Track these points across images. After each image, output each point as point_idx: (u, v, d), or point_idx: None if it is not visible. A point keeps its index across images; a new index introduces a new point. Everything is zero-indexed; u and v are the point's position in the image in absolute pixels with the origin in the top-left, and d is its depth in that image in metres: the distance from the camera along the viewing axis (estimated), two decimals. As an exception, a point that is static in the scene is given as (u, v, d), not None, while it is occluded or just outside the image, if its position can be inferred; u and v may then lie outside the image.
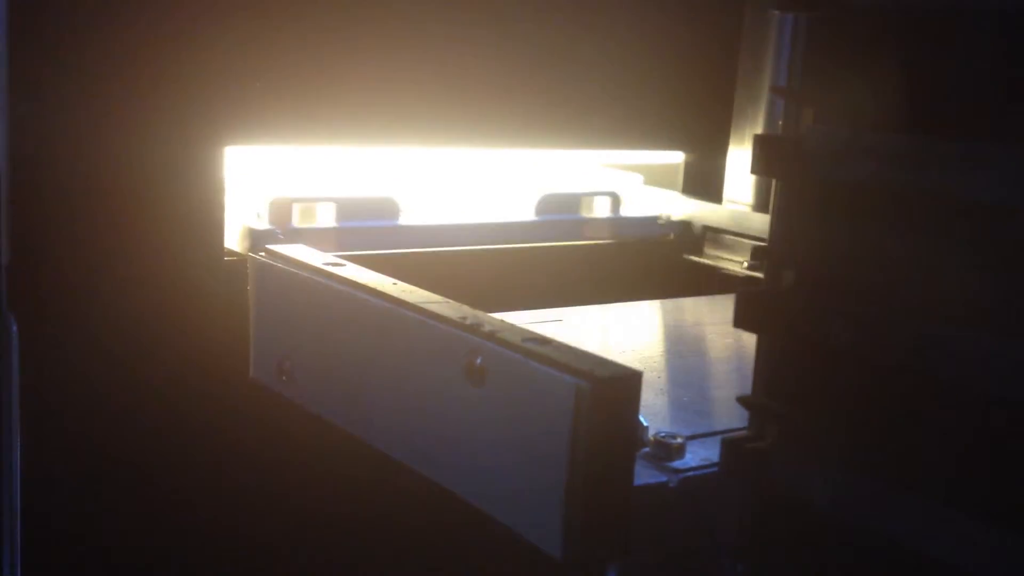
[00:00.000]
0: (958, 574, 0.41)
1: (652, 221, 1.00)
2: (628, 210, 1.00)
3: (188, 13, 0.72)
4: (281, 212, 0.80)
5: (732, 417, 0.51)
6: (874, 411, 0.45)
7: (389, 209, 0.86)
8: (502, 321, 0.49)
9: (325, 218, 0.82)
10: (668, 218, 1.00)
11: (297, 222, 0.80)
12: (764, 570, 0.51)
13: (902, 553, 0.43)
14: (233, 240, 0.77)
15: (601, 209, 0.99)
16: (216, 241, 0.75)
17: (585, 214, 0.98)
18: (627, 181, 1.01)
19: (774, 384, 0.50)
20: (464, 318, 0.50)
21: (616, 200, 0.99)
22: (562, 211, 0.96)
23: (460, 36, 0.84)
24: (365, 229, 0.83)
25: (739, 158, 0.99)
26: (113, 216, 0.71)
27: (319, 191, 0.82)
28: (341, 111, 0.80)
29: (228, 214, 0.75)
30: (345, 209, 0.83)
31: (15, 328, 0.67)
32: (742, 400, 0.51)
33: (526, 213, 0.94)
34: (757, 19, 0.95)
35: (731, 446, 0.50)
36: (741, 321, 0.49)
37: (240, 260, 0.74)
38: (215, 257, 0.75)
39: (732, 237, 0.96)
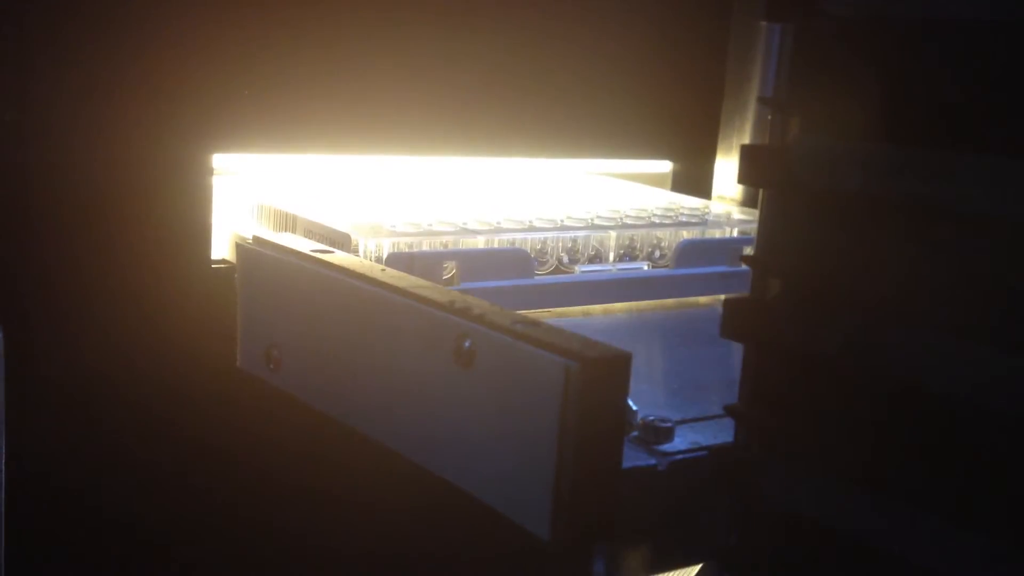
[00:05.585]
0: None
1: None
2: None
3: (176, 21, 0.72)
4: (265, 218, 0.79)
5: (722, 405, 0.51)
6: (862, 421, 0.45)
7: None
8: (491, 305, 0.49)
9: None
10: None
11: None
12: (751, 579, 0.51)
13: (889, 561, 0.43)
14: (224, 247, 0.77)
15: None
16: (203, 248, 0.75)
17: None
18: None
19: (761, 393, 0.50)
20: (452, 302, 0.49)
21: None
22: (704, 261, 0.77)
23: (447, 45, 0.85)
24: None
25: (726, 167, 0.99)
26: (99, 223, 0.71)
27: (305, 198, 0.81)
28: (329, 120, 0.80)
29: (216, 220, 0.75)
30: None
31: (0, 336, 0.67)
32: (729, 409, 0.51)
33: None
34: (744, 29, 0.96)
35: (717, 456, 0.50)
36: (727, 330, 0.49)
37: (228, 267, 0.74)
38: (202, 264, 0.75)
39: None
